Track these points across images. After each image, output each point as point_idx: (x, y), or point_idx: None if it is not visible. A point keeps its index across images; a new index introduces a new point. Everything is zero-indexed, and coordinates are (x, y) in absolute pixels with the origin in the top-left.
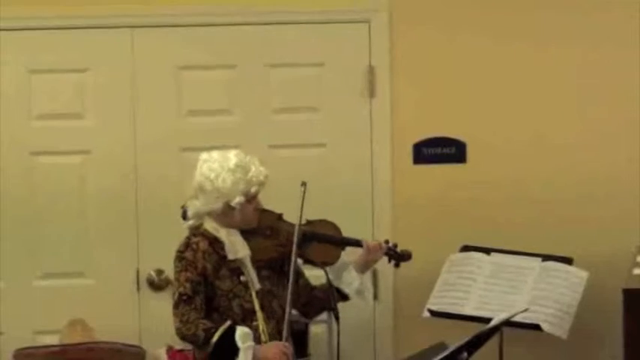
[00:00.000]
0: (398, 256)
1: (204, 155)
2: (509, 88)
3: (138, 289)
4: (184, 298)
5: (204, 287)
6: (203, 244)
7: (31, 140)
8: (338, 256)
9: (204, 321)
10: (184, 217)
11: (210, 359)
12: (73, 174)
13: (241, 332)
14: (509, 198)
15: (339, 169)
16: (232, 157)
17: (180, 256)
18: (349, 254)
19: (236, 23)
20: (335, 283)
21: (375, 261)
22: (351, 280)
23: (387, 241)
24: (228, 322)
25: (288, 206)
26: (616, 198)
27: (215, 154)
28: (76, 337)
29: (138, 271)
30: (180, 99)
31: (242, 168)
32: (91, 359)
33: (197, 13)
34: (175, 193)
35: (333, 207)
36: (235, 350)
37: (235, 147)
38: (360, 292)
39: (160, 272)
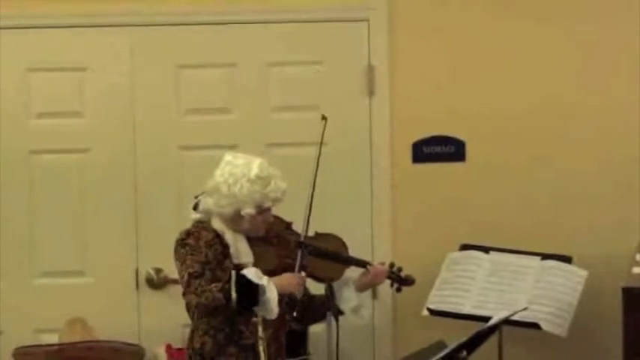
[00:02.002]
0: (401, 281)
1: (228, 157)
2: (508, 87)
3: (137, 287)
4: (195, 275)
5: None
6: (206, 235)
7: (31, 139)
8: (341, 274)
9: (215, 284)
10: (195, 207)
11: (224, 325)
12: (72, 173)
13: (251, 273)
14: (509, 196)
15: (338, 168)
16: (255, 166)
17: (182, 243)
18: (352, 270)
19: (235, 22)
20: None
21: (377, 283)
22: (349, 298)
23: (392, 265)
24: (234, 272)
25: (287, 205)
26: (616, 197)
27: (240, 158)
28: (76, 336)
29: (137, 270)
30: (179, 97)
31: (262, 180)
32: (91, 358)
33: (196, 11)
34: (174, 192)
35: (332, 206)
36: (254, 293)
37: (234, 146)
38: (356, 311)
39: (158, 271)
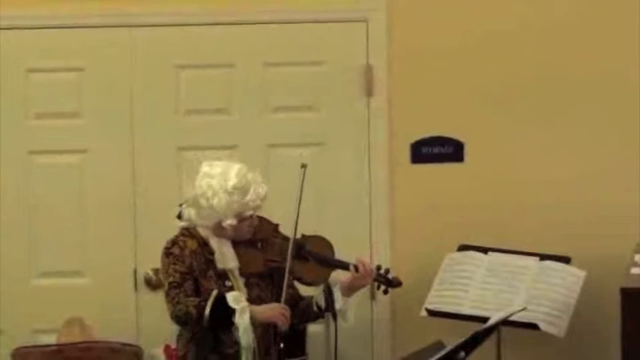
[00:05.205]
0: (388, 283)
1: (206, 167)
2: (507, 87)
3: (135, 288)
4: (174, 284)
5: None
6: (191, 244)
7: (29, 139)
8: (327, 278)
9: (193, 298)
10: (179, 216)
11: (207, 334)
12: (70, 173)
13: (233, 295)
14: (507, 197)
15: (337, 168)
16: (233, 176)
17: (167, 252)
18: (339, 273)
19: (234, 22)
20: (318, 301)
21: (363, 286)
22: (336, 300)
23: (379, 267)
24: (215, 291)
25: (285, 206)
26: (614, 197)
27: (218, 168)
28: (74, 337)
29: (135, 270)
30: (178, 98)
31: (240, 190)
32: (89, 358)
33: (195, 12)
34: (172, 192)
35: (330, 206)
36: (231, 317)
37: (233, 146)
38: (341, 313)
39: (157, 271)
